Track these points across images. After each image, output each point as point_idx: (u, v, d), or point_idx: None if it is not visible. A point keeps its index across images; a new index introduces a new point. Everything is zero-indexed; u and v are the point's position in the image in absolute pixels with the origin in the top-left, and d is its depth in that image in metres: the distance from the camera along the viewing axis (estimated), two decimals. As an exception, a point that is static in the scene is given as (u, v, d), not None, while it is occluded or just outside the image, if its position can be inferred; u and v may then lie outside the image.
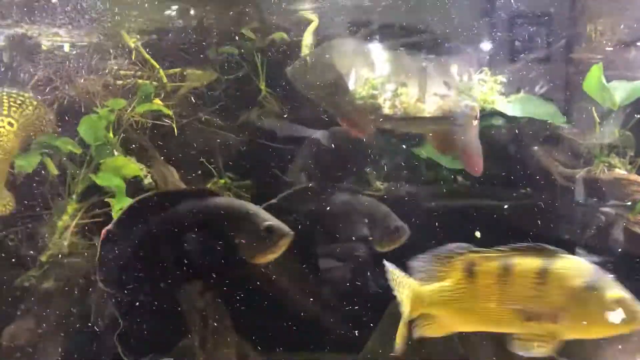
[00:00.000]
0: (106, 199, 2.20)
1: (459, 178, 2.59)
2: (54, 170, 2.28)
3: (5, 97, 2.01)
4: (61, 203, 2.35)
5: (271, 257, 1.58)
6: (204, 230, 1.55)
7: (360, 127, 2.51)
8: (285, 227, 1.52)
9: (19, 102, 2.04)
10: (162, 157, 2.67)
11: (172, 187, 2.57)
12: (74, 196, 2.34)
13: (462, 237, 2.59)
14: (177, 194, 1.55)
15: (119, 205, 2.16)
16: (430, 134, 2.56)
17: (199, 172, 2.77)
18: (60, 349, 2.37)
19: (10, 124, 2.06)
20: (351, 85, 2.43)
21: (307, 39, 2.82)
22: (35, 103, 2.07)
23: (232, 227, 1.53)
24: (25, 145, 2.19)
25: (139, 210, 1.58)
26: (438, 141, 2.53)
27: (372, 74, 2.80)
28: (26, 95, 2.09)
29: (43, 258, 2.28)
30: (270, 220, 1.52)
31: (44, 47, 2.78)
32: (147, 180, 2.51)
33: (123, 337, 2.49)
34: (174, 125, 2.65)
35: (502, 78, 2.67)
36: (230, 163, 2.85)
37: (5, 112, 2.01)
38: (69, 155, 2.39)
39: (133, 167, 2.43)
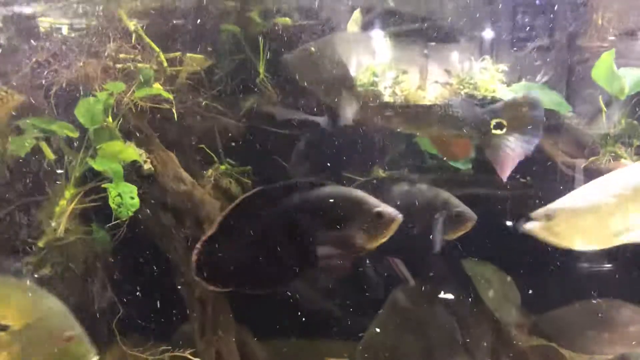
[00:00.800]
0: (103, 185, 2.17)
1: (462, 167, 2.55)
2: (50, 155, 2.25)
3: None
4: (58, 188, 2.32)
5: (381, 241, 1.59)
6: (318, 220, 1.56)
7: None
8: (394, 211, 1.53)
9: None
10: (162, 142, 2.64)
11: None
12: (71, 181, 2.31)
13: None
14: (285, 187, 1.54)
15: (117, 190, 2.13)
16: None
17: (198, 158, 2.75)
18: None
19: None
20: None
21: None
22: (15, 97, 2.05)
23: (345, 215, 1.54)
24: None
25: (247, 206, 1.58)
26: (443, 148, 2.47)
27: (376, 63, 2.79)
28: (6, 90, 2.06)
29: (40, 244, 2.25)
30: (379, 205, 1.53)
31: (42, 29, 2.74)
32: (147, 166, 2.48)
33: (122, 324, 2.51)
34: (174, 110, 2.60)
35: (503, 66, 2.65)
36: (233, 144, 2.83)
37: None
38: (67, 140, 2.36)
39: (132, 151, 2.40)
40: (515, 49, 2.82)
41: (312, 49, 2.31)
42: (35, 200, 2.31)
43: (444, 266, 2.76)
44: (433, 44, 2.91)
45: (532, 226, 2.21)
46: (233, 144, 2.83)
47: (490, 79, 2.65)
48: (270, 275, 1.61)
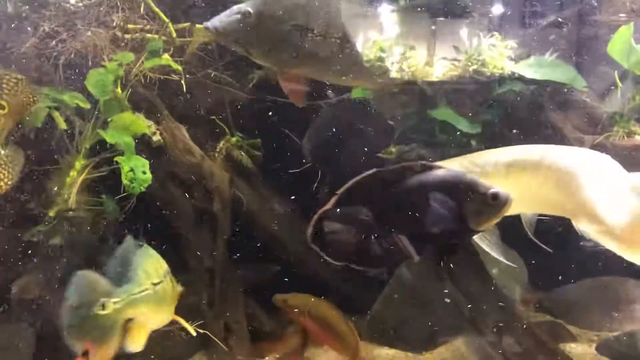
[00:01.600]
0: (116, 158, 2.16)
1: (473, 142, 2.53)
2: (62, 124, 2.24)
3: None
4: (69, 159, 2.32)
5: (494, 222, 1.61)
6: (433, 202, 1.58)
7: (298, 93, 2.31)
8: (506, 193, 1.55)
9: (11, 83, 2.02)
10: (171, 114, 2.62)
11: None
12: (81, 152, 2.31)
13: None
14: (400, 169, 1.56)
15: (128, 164, 2.12)
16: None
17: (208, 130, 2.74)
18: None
19: (1, 107, 2.04)
20: (304, 42, 2.13)
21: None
22: (27, 84, 2.07)
23: (460, 197, 1.56)
24: (14, 126, 2.16)
25: (363, 186, 1.61)
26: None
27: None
28: (18, 76, 2.07)
29: (51, 213, 2.26)
30: (493, 187, 1.55)
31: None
32: (156, 138, 2.47)
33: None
34: (183, 82, 2.58)
35: (512, 43, 2.63)
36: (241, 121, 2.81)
37: None
38: (76, 110, 2.35)
39: (141, 123, 2.38)
40: (525, 24, 2.78)
41: (252, 10, 2.06)
42: (47, 170, 2.31)
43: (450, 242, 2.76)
44: (441, 19, 2.90)
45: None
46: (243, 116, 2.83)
47: (499, 55, 2.63)
48: (382, 255, 1.64)
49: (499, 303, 2.68)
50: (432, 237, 1.66)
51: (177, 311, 2.57)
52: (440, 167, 1.65)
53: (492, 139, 2.47)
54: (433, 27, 2.90)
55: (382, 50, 2.83)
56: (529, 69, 2.42)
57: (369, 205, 1.63)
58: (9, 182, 2.05)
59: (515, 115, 2.55)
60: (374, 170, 1.61)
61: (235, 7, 2.08)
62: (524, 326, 2.68)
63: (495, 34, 2.67)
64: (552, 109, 2.53)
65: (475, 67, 2.64)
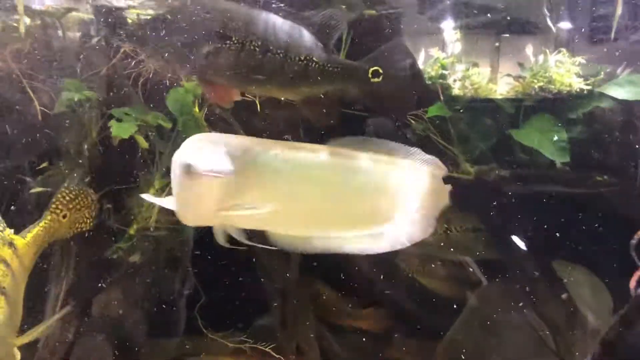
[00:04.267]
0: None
1: (558, 163, 2.41)
2: (144, 144, 2.27)
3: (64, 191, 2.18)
4: (148, 177, 2.35)
5: None
6: None
7: (223, 93, 2.16)
8: None
9: (72, 195, 2.17)
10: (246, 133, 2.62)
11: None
12: (160, 171, 2.34)
13: (556, 227, 2.47)
14: None
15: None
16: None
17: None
18: (145, 321, 2.39)
19: (64, 215, 2.15)
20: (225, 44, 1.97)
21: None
22: (86, 196, 2.21)
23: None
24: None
25: None
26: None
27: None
28: (79, 189, 2.21)
29: (131, 231, 2.29)
30: None
31: (129, 20, 2.77)
32: (231, 157, 2.47)
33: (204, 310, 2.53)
34: (257, 101, 2.59)
35: (580, 59, 2.52)
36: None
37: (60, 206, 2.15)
38: (157, 129, 2.38)
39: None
40: (594, 40, 2.65)
41: (168, 15, 1.98)
42: (128, 188, 2.35)
43: (533, 267, 2.64)
44: (506, 35, 2.82)
45: None
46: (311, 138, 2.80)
47: (566, 72, 2.53)
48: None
49: (583, 332, 2.53)
50: None
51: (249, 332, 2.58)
52: None
53: (579, 160, 2.35)
54: (497, 44, 2.84)
55: (443, 67, 2.78)
56: (620, 89, 2.28)
57: None
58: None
59: (605, 135, 2.42)
60: None
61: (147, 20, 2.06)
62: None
63: (562, 50, 2.57)
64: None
65: (541, 84, 2.54)
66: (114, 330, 2.33)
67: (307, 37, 2.06)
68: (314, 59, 2.05)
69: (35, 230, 2.02)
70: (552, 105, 2.53)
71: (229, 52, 1.95)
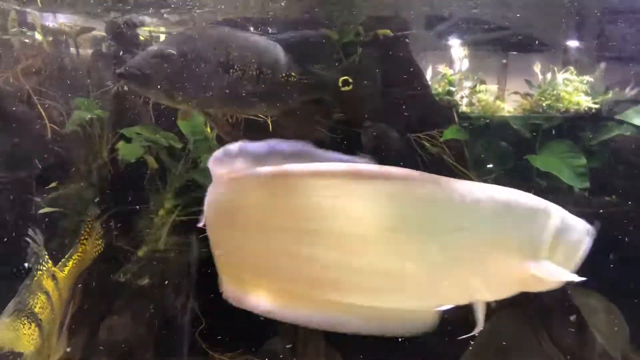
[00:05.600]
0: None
1: (577, 190, 2.36)
2: (153, 164, 2.24)
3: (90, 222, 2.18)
4: (158, 198, 2.31)
5: None
6: None
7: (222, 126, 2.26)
8: None
9: (87, 229, 2.16)
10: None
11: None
12: (171, 192, 2.30)
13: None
14: None
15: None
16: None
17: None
18: (152, 344, 2.35)
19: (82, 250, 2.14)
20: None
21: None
22: (97, 231, 2.18)
23: None
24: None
25: None
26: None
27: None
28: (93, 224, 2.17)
29: (140, 253, 2.25)
30: None
31: (141, 38, 2.76)
32: (243, 177, 2.44)
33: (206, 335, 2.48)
34: (269, 121, 2.56)
35: (588, 78, 2.50)
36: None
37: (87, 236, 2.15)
38: (167, 150, 2.35)
39: (229, 163, 2.36)
40: (601, 58, 2.62)
41: (172, 51, 1.92)
42: (136, 209, 2.31)
43: (548, 294, 2.58)
44: (514, 52, 2.81)
45: None
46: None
47: (574, 91, 2.50)
48: None
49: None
50: None
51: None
52: None
53: (599, 188, 2.30)
54: (504, 61, 2.82)
55: (450, 84, 2.75)
56: (640, 116, 2.24)
57: None
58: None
59: (626, 162, 2.37)
60: None
61: (150, 51, 1.95)
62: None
63: (570, 68, 2.54)
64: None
65: (549, 102, 2.51)
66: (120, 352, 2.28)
67: (282, 52, 2.10)
68: (292, 73, 2.10)
69: (71, 263, 2.01)
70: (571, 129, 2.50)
71: (234, 80, 1.98)
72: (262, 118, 2.54)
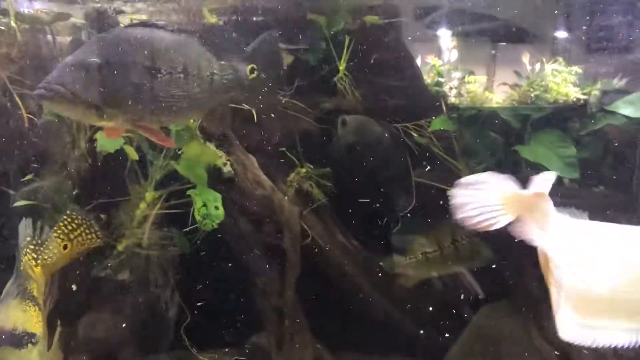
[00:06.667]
0: (188, 192, 2.08)
1: (566, 180, 2.33)
2: (134, 156, 2.17)
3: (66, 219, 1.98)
4: (139, 190, 2.25)
5: None
6: None
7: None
8: None
9: (74, 224, 1.99)
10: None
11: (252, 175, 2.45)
12: (152, 184, 2.24)
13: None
14: None
15: (201, 199, 2.03)
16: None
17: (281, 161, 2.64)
18: (133, 340, 2.29)
19: (65, 247, 1.98)
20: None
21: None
22: (90, 225, 2.03)
23: None
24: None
25: None
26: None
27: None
28: (83, 218, 2.02)
29: (120, 247, 2.19)
30: None
31: (121, 25, 2.68)
32: (227, 169, 2.39)
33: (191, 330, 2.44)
34: (254, 111, 2.50)
35: (577, 68, 2.49)
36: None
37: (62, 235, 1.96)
38: (148, 140, 2.28)
39: (212, 153, 2.31)
40: (590, 49, 2.62)
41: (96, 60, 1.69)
42: (116, 202, 2.25)
43: (537, 286, 2.56)
44: (502, 43, 2.78)
45: None
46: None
47: (562, 81, 2.50)
48: None
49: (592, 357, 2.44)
50: None
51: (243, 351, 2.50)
52: None
53: (588, 179, 2.27)
54: (493, 52, 2.80)
55: (439, 75, 2.73)
56: (631, 107, 2.20)
57: None
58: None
59: (616, 152, 2.34)
60: None
61: (69, 62, 1.69)
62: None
63: (559, 59, 2.54)
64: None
65: (537, 92, 2.51)
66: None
67: (201, 48, 1.95)
68: (215, 71, 1.95)
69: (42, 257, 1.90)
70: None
71: (163, 86, 1.78)
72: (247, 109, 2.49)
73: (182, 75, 1.81)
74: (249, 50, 2.11)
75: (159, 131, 1.85)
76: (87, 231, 2.00)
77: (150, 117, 1.78)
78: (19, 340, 1.55)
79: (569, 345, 2.45)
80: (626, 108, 2.18)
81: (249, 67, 2.06)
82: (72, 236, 1.99)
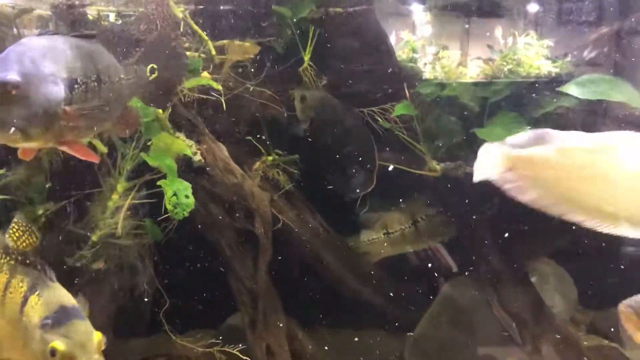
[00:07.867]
0: (158, 182, 2.13)
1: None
2: (102, 148, 2.21)
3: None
4: (111, 182, 2.29)
5: None
6: None
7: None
8: None
9: (20, 232, 1.93)
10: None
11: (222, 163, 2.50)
12: (123, 175, 2.28)
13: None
14: None
15: (172, 188, 2.09)
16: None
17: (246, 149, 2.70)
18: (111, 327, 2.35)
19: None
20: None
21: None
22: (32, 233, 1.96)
23: None
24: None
25: None
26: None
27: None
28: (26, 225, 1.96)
29: (94, 238, 2.24)
30: None
31: (89, 17, 2.69)
32: (197, 158, 2.44)
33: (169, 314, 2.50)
34: (223, 100, 2.55)
35: (549, 42, 2.53)
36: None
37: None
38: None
39: (182, 144, 2.36)
40: (562, 23, 2.67)
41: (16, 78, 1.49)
42: (89, 194, 2.29)
43: (501, 260, 2.68)
44: (475, 18, 2.83)
45: None
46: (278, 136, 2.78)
47: (535, 55, 2.53)
48: None
49: (549, 325, 2.58)
50: None
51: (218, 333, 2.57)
52: None
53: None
54: (467, 26, 2.83)
55: (414, 50, 2.76)
56: (582, 89, 2.28)
57: None
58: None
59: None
60: None
61: None
62: (576, 349, 2.59)
63: (530, 32, 2.58)
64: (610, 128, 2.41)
65: (510, 66, 2.54)
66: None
67: (106, 52, 1.85)
68: (122, 75, 1.88)
69: None
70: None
71: (80, 97, 1.64)
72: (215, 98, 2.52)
73: (95, 84, 1.70)
74: (144, 51, 2.06)
75: (83, 145, 1.75)
76: (29, 237, 1.94)
77: (71, 132, 1.63)
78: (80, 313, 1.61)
79: (526, 314, 2.61)
80: (576, 89, 2.26)
81: (149, 67, 2.02)
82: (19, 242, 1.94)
